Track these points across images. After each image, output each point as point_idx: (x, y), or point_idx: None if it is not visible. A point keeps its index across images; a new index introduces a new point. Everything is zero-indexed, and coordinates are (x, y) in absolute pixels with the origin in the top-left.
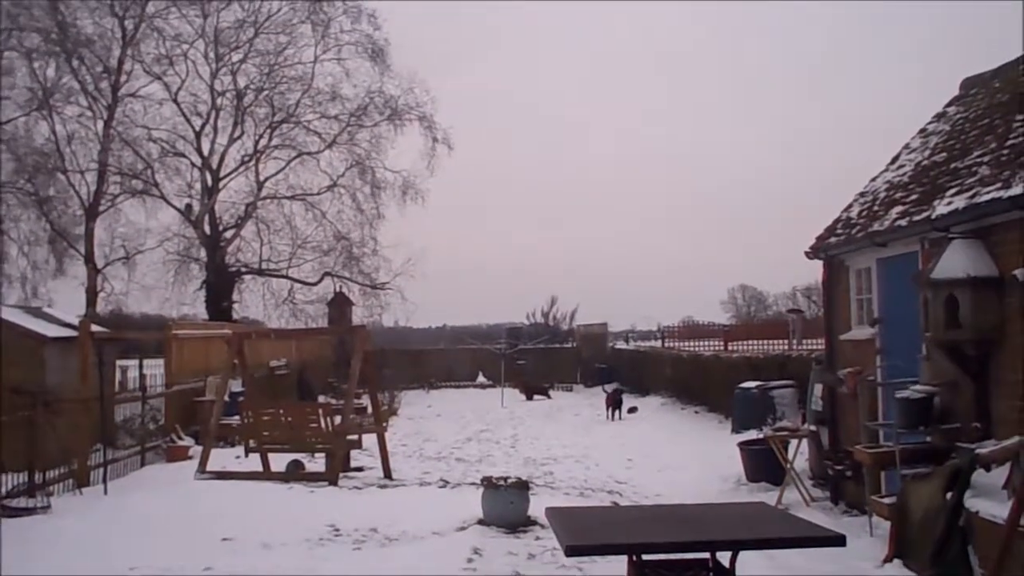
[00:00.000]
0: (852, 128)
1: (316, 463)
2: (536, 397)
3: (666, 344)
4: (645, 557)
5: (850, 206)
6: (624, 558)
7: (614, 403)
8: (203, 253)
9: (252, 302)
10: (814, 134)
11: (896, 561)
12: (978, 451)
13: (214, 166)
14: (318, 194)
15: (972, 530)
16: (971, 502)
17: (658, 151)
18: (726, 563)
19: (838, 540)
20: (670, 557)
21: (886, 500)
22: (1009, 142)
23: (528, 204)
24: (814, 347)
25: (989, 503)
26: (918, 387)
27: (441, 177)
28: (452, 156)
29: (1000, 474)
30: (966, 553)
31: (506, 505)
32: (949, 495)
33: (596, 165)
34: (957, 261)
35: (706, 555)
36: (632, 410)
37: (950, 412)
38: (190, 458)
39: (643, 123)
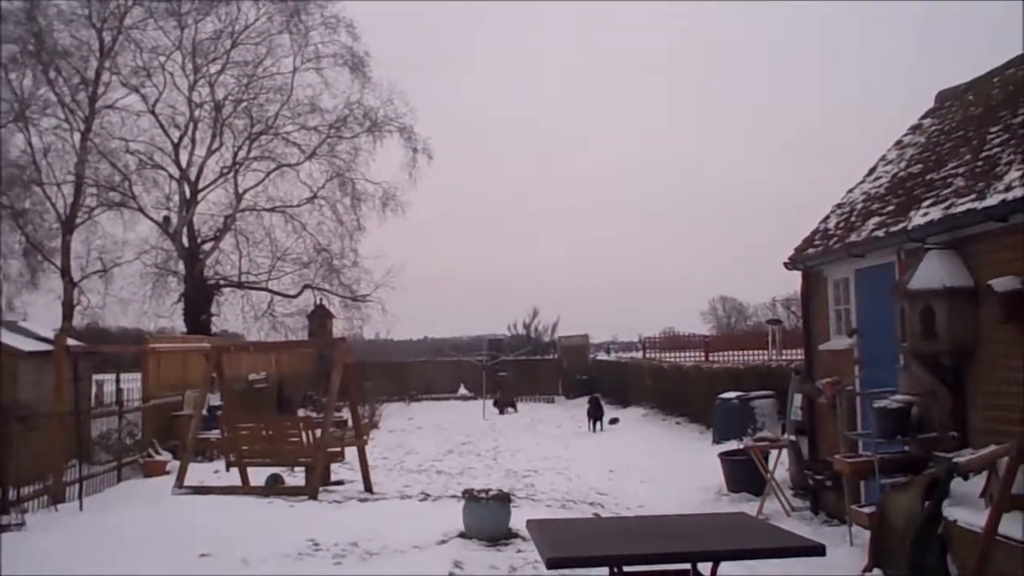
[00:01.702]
0: (831, 139)
1: (296, 477)
2: (507, 410)
3: (647, 355)
4: (626, 569)
5: (827, 217)
6: (605, 570)
7: (594, 414)
8: (181, 266)
9: (231, 315)
10: (794, 145)
11: (875, 570)
12: (955, 460)
13: (192, 178)
14: (298, 206)
15: (950, 538)
16: (949, 511)
17: (638, 162)
18: (707, 574)
19: (818, 550)
20: (651, 569)
21: (865, 509)
22: (983, 154)
23: (509, 215)
24: (794, 357)
25: (967, 511)
26: (896, 397)
27: (422, 187)
28: (432, 166)
29: (977, 483)
30: (944, 561)
31: (487, 518)
32: (927, 504)
33: (576, 176)
34: (933, 272)
35: (687, 566)
36: (613, 421)
37: (927, 422)
38: (168, 473)
39: (623, 135)
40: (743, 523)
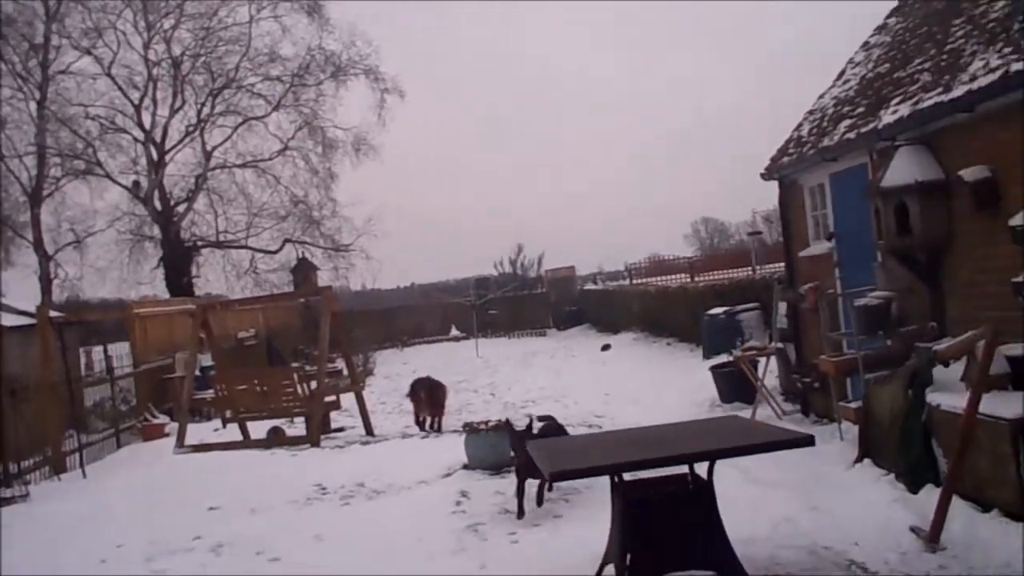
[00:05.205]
0: (807, 53)
1: (296, 428)
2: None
3: (633, 281)
4: (627, 477)
5: (800, 125)
6: (608, 486)
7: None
8: (156, 230)
9: (213, 276)
10: (770, 59)
11: (865, 461)
12: (935, 349)
13: (158, 139)
14: (269, 159)
15: (934, 423)
16: (932, 397)
17: (616, 88)
18: (704, 475)
19: (807, 441)
20: (652, 475)
21: (852, 405)
22: (948, 47)
23: (489, 151)
24: (777, 270)
25: (949, 396)
26: (875, 294)
27: (397, 128)
28: (408, 106)
29: (958, 369)
30: (930, 445)
31: (489, 448)
32: (910, 393)
33: (555, 107)
34: (905, 168)
35: (684, 469)
36: (605, 348)
37: (907, 316)
38: (167, 435)
39: (600, 61)
40: (734, 424)
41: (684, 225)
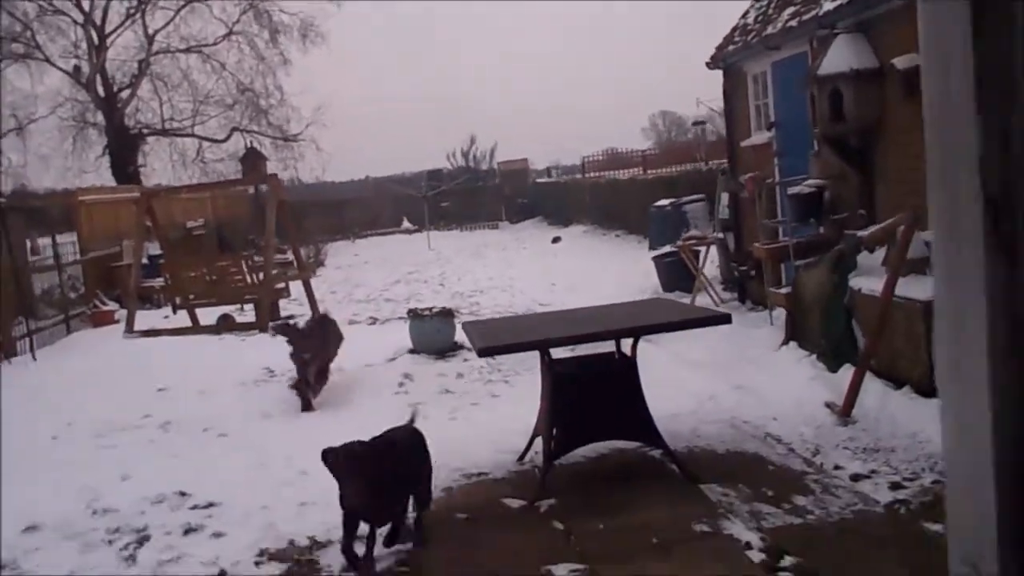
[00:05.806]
0: None
1: (245, 315)
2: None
3: (587, 174)
4: (559, 356)
5: (747, 12)
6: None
7: None
8: (100, 116)
9: (160, 165)
10: None
11: (791, 343)
12: (859, 235)
13: (98, 22)
14: (214, 44)
15: (856, 306)
16: (855, 281)
17: None
18: (629, 352)
19: (724, 319)
20: (580, 353)
21: (782, 290)
22: None
23: (442, 41)
24: (724, 161)
25: (870, 280)
26: (809, 182)
27: (346, 15)
28: None
29: (882, 254)
30: (851, 327)
31: (433, 333)
32: (834, 277)
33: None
34: (841, 55)
35: (612, 349)
36: (556, 240)
37: (839, 203)
38: (116, 322)
39: None
40: (660, 305)
41: (642, 118)
